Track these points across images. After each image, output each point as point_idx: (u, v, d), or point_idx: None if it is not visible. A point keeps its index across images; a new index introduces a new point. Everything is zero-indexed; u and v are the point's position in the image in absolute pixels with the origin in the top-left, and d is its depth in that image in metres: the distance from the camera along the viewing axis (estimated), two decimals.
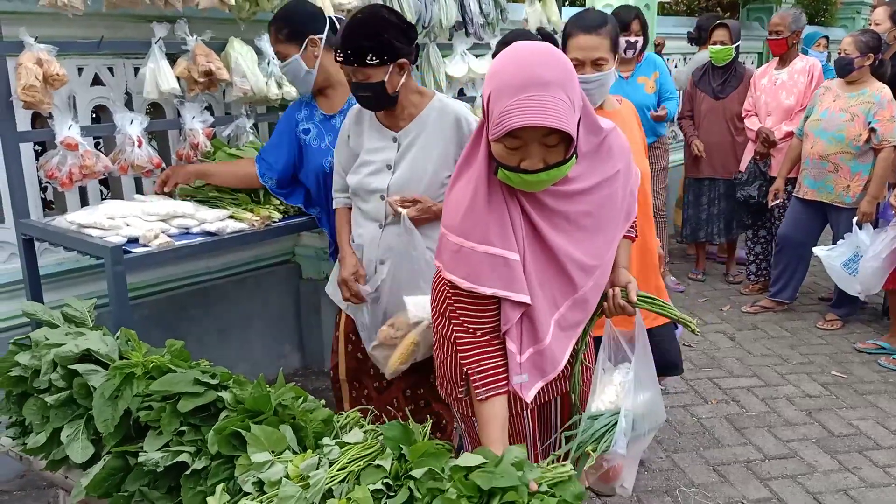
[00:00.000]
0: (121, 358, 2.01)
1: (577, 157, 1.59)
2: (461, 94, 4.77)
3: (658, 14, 6.95)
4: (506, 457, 1.48)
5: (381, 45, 2.22)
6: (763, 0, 7.73)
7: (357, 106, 2.46)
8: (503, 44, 2.91)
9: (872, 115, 4.47)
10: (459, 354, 1.75)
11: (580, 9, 6.34)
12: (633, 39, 4.79)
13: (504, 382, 1.71)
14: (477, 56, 4.62)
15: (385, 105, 2.36)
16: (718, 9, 9.04)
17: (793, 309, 5.22)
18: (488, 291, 1.64)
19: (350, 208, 2.59)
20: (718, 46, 5.15)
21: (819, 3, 9.50)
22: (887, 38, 4.80)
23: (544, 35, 3.29)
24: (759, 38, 8.36)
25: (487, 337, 1.71)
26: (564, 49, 2.41)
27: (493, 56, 3.12)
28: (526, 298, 1.65)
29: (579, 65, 2.33)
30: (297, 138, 2.90)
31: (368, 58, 2.22)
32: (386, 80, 2.26)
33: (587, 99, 1.66)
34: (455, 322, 1.73)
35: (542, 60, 1.50)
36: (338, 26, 2.81)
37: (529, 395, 1.71)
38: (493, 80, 1.53)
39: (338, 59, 2.28)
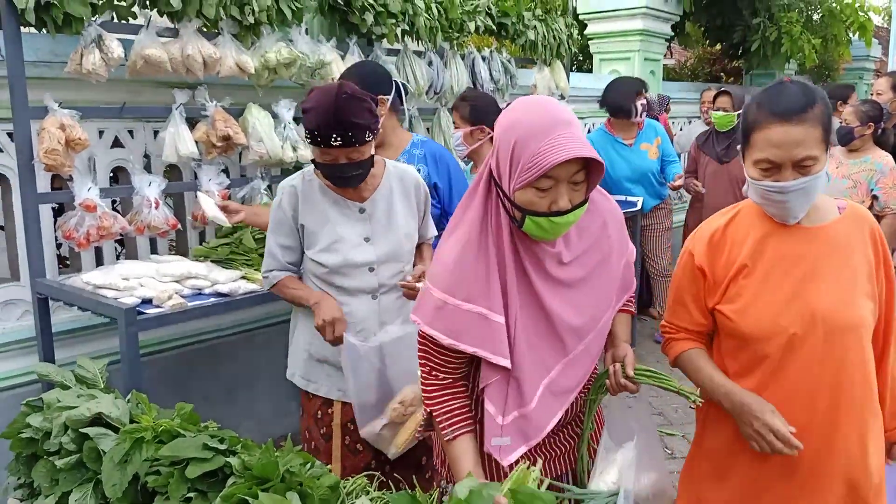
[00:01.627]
0: (131, 422, 2.03)
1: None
2: None
3: (663, 79, 7.14)
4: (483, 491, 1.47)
5: (374, 117, 2.21)
6: (766, 67, 7.89)
7: (297, 182, 2.33)
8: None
9: (875, 182, 4.52)
10: (423, 397, 1.76)
11: (587, 75, 6.53)
12: (644, 101, 4.95)
13: (470, 422, 1.71)
14: None
15: (365, 178, 2.30)
16: (723, 74, 9.22)
17: None
18: (469, 350, 1.64)
19: (294, 274, 2.44)
20: (721, 113, 5.24)
21: (822, 68, 9.68)
22: (890, 107, 4.88)
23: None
24: None
25: (450, 380, 1.73)
26: (746, 144, 1.77)
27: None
28: (506, 363, 1.63)
29: (772, 167, 1.67)
30: None
31: (367, 135, 2.18)
32: (372, 152, 2.28)
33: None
34: (420, 365, 1.75)
35: (555, 104, 1.58)
36: (402, 90, 2.94)
37: (509, 460, 1.68)
38: (514, 129, 1.55)
39: (335, 143, 2.13)
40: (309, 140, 2.17)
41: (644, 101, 4.99)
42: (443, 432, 1.71)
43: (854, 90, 4.81)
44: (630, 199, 5.03)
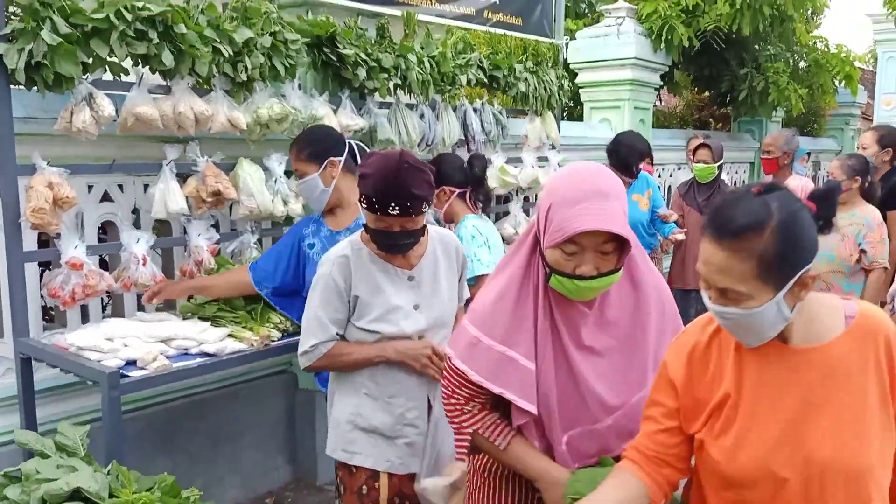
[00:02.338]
0: (111, 496, 1.97)
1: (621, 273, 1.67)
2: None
3: (652, 126, 7.21)
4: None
5: (431, 188, 2.24)
6: (753, 114, 7.99)
7: (347, 252, 2.31)
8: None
9: (862, 236, 4.55)
10: (461, 426, 1.82)
11: (578, 123, 6.59)
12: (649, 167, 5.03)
13: (511, 427, 1.78)
14: None
15: (415, 246, 2.33)
16: (711, 119, 9.33)
17: None
18: (497, 390, 1.69)
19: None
20: (702, 165, 5.25)
21: (808, 115, 9.82)
22: (875, 161, 4.93)
23: (473, 162, 3.54)
24: (751, 149, 8.62)
25: (479, 406, 1.81)
26: None
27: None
28: (532, 408, 1.68)
29: (705, 286, 1.42)
30: (300, 251, 2.95)
31: (423, 205, 2.20)
32: (424, 222, 2.31)
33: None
34: (446, 396, 1.82)
35: (599, 174, 1.65)
36: (356, 151, 3.00)
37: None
38: (552, 194, 1.64)
39: (392, 212, 2.14)
40: (365, 206, 2.20)
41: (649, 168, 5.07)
42: (495, 443, 1.77)
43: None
44: None
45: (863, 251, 4.56)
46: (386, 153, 2.21)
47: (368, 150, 3.02)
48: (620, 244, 1.63)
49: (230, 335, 2.98)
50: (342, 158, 2.91)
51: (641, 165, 5.02)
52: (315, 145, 2.91)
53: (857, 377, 1.41)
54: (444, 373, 1.83)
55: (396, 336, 2.31)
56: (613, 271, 1.64)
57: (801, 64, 7.85)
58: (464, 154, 4.61)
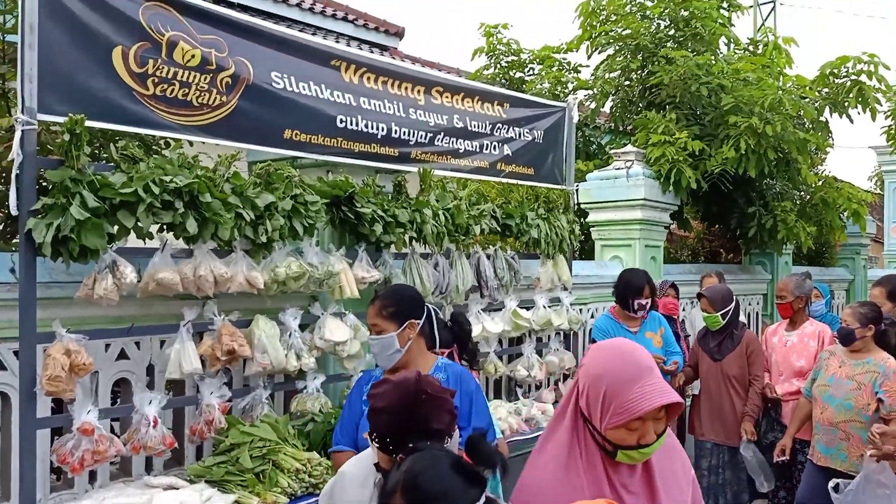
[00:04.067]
0: None
1: None
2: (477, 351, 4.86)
3: (664, 262, 7.27)
4: None
5: (454, 418, 2.02)
6: (763, 247, 8.07)
7: (356, 472, 2.17)
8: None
9: (879, 384, 4.47)
10: None
11: (590, 262, 6.66)
12: (644, 301, 4.97)
13: None
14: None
15: None
16: (722, 251, 9.41)
17: None
18: None
19: None
20: (705, 314, 5.21)
21: (820, 247, 9.90)
22: (893, 314, 4.92)
23: (458, 321, 3.46)
24: (764, 281, 8.65)
25: None
26: None
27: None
28: None
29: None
30: (363, 406, 2.91)
31: (445, 440, 1.97)
32: None
33: None
34: None
35: (638, 352, 1.84)
36: (433, 316, 3.05)
37: None
38: (603, 379, 1.80)
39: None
40: (378, 445, 1.94)
41: (645, 302, 5.02)
42: None
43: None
44: None
45: (880, 400, 4.48)
46: (401, 381, 1.98)
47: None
48: (666, 406, 1.80)
49: (237, 501, 2.92)
50: (421, 322, 2.90)
51: (640, 304, 4.97)
52: (399, 304, 2.89)
53: None
54: None
55: None
56: (665, 430, 1.83)
57: (808, 199, 7.99)
58: (479, 300, 4.68)
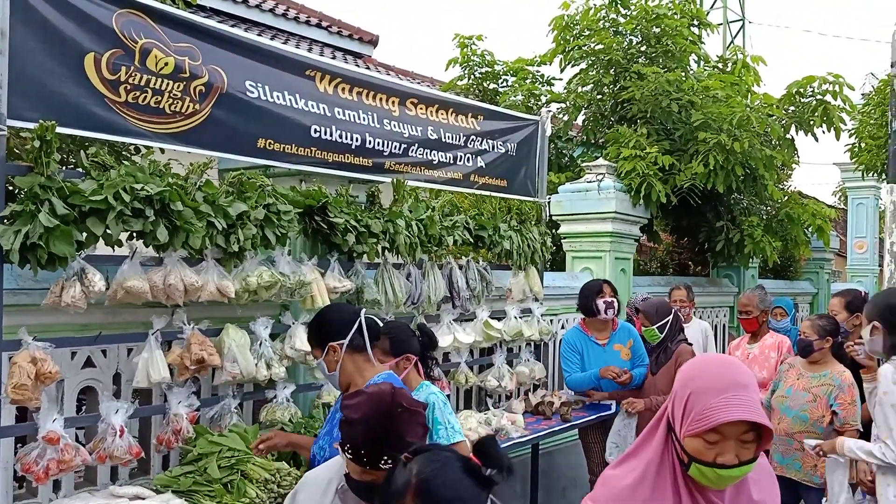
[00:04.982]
0: None
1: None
2: (446, 360, 4.87)
3: (634, 274, 7.36)
4: None
5: (425, 430, 2.04)
6: (730, 261, 8.20)
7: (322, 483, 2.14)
8: None
9: (833, 397, 4.57)
10: None
11: (561, 273, 6.72)
12: (609, 299, 5.02)
13: None
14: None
15: None
16: (690, 263, 9.55)
17: None
18: None
19: None
20: (644, 328, 5.20)
21: (785, 261, 10.08)
22: (846, 325, 5.04)
23: (423, 331, 3.41)
24: (731, 294, 8.79)
25: None
26: None
27: None
28: None
29: None
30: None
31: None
32: None
33: None
34: None
35: (737, 367, 1.73)
36: (364, 327, 2.82)
37: None
38: (691, 384, 1.71)
39: (384, 465, 1.90)
40: (351, 457, 1.93)
41: (609, 300, 5.06)
42: None
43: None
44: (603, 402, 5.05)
45: (834, 413, 4.57)
46: (375, 393, 1.97)
47: (380, 322, 2.95)
48: (758, 433, 1.67)
49: None
50: (344, 342, 2.77)
51: (606, 302, 4.97)
52: (317, 331, 2.84)
53: None
54: None
55: None
56: (752, 460, 1.67)
57: (774, 215, 8.15)
58: (451, 311, 4.70)
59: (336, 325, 2.85)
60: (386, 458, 1.87)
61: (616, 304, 5.12)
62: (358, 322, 2.84)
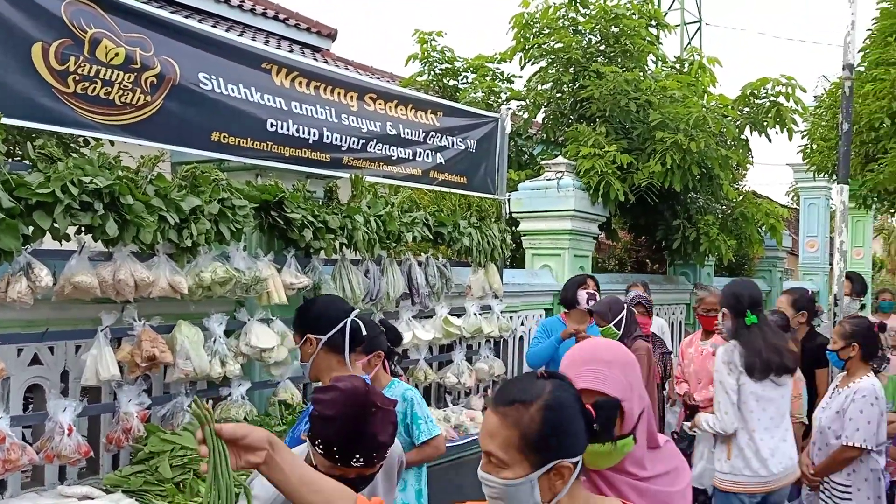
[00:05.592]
0: None
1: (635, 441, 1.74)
2: (405, 357, 4.86)
3: (592, 271, 7.44)
4: None
5: (395, 429, 2.04)
6: (686, 259, 8.34)
7: None
8: None
9: None
10: None
11: (520, 270, 6.76)
12: (591, 291, 5.04)
13: None
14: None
15: None
16: (648, 261, 9.69)
17: None
18: None
19: None
20: (600, 329, 5.18)
21: (740, 259, 10.28)
22: (792, 322, 5.15)
23: (388, 326, 3.39)
24: (686, 291, 8.93)
25: None
26: None
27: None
28: None
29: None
30: None
31: (385, 452, 1.99)
32: None
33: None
34: None
35: (608, 348, 1.89)
36: (347, 331, 2.75)
37: None
38: (565, 360, 1.88)
39: (355, 463, 1.91)
40: (322, 452, 1.90)
41: (592, 292, 5.09)
42: None
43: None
44: None
45: None
46: (350, 390, 1.94)
47: (363, 328, 2.81)
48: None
49: None
50: (323, 338, 2.73)
51: (588, 294, 5.00)
52: (301, 318, 2.80)
53: None
54: None
55: None
56: (621, 437, 1.72)
57: (729, 214, 8.30)
58: (409, 307, 4.68)
59: (320, 319, 2.81)
60: (358, 456, 1.88)
61: (598, 298, 5.14)
62: (343, 324, 2.77)
